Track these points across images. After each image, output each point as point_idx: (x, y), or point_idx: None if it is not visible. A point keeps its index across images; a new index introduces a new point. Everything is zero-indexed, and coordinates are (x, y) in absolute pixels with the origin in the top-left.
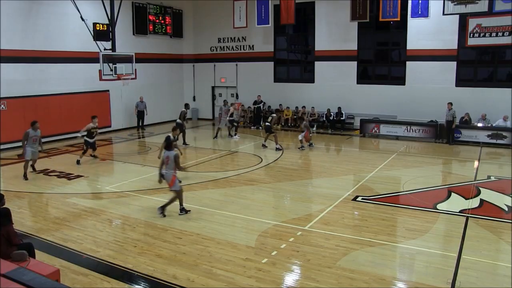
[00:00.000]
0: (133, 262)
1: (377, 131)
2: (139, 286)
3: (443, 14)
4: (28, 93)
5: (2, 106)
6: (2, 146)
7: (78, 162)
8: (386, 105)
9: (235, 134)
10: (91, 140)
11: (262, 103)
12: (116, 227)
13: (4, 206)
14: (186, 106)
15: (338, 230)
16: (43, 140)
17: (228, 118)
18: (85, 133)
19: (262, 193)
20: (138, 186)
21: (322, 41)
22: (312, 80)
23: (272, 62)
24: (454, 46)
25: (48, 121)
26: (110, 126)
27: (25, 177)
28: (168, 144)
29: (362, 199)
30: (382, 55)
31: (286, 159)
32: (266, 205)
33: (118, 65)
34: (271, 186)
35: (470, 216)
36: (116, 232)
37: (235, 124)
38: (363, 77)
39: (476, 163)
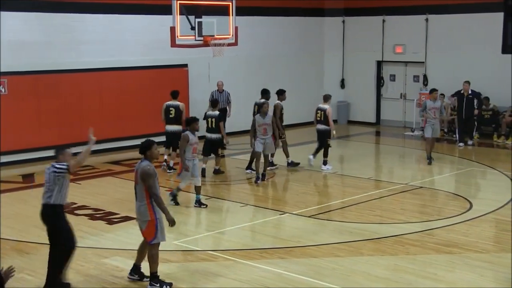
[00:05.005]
0: None
1: None
2: None
3: None
4: (46, 67)
5: (0, 87)
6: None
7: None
8: None
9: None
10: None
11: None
12: None
13: None
14: (265, 93)
15: None
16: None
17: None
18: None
19: (467, 272)
20: (236, 239)
21: None
22: None
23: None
24: None
25: (82, 115)
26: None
27: None
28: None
29: None
30: None
31: None
32: None
33: (204, 20)
34: (486, 259)
35: None
36: None
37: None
38: None
39: None
